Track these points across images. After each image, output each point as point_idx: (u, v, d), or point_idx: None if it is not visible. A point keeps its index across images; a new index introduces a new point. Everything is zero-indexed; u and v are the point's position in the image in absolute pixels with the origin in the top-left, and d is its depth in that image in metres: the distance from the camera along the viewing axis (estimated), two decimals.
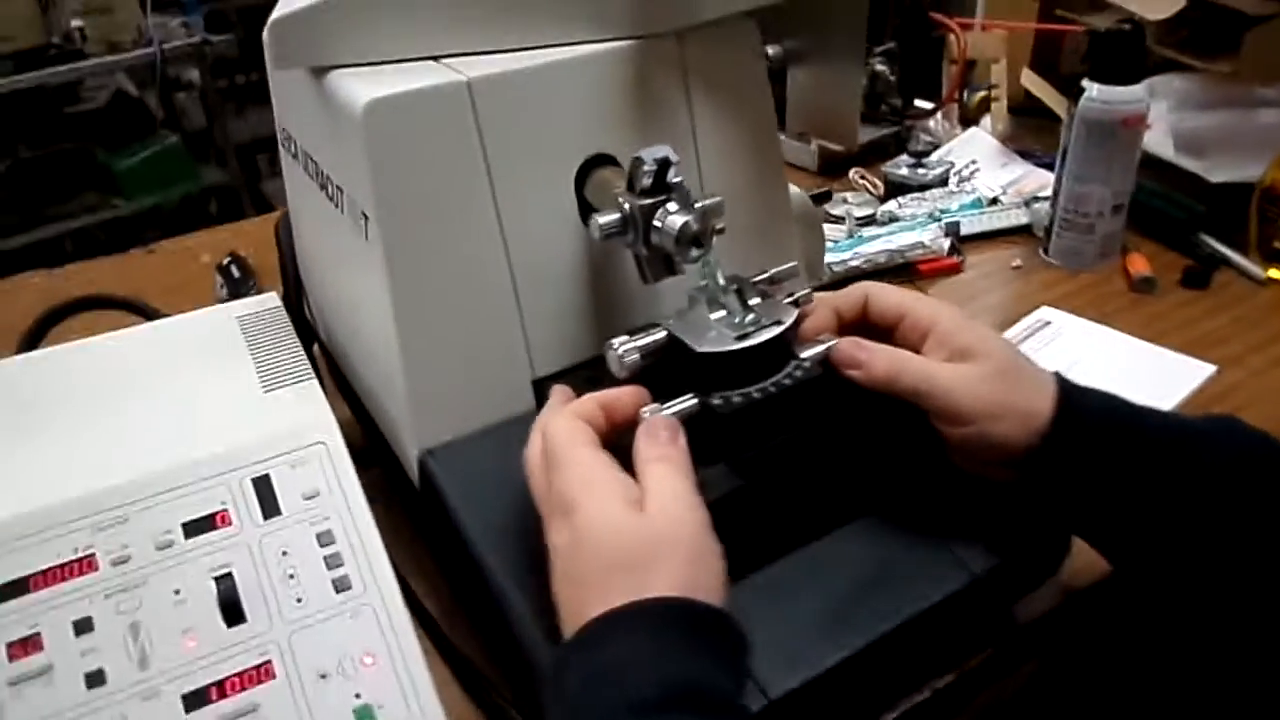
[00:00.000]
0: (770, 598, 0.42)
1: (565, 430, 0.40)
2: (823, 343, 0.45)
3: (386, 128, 0.44)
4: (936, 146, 0.96)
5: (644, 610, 0.34)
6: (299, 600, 0.42)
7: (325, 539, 0.44)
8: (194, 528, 0.43)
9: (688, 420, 0.41)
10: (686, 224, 0.43)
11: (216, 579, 0.42)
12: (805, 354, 0.44)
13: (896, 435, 0.45)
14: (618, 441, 0.40)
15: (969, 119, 1.09)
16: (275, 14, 0.46)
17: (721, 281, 0.44)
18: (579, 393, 0.45)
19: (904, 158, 0.91)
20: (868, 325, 0.47)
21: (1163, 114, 0.84)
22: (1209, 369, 0.67)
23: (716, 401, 0.41)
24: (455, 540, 0.46)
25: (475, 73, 0.45)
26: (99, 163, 2.49)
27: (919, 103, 1.05)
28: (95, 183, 2.50)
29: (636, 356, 0.42)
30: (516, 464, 0.43)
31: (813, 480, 0.44)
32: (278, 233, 0.67)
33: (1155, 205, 0.84)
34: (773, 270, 0.46)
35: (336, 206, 0.51)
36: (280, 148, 0.61)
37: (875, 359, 0.44)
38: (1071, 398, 0.43)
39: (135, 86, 2.61)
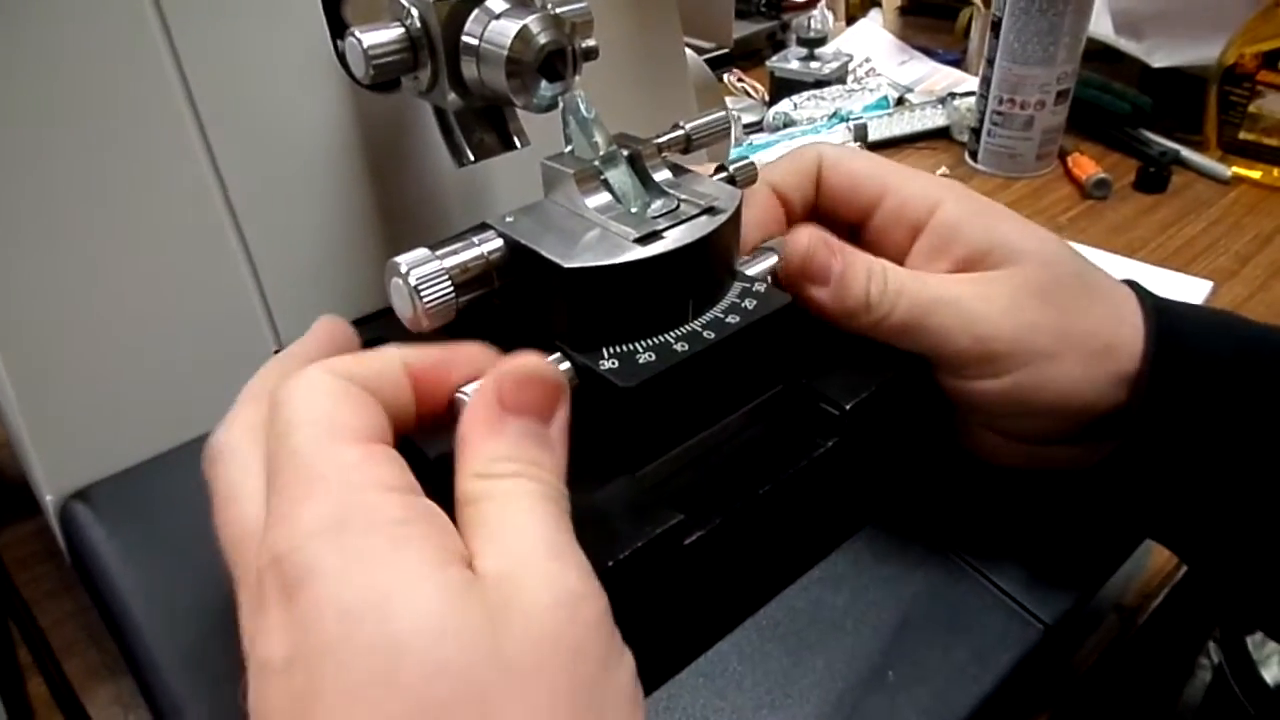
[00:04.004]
0: (721, 688, 0.23)
1: (316, 406, 0.18)
2: (772, 249, 0.26)
3: None
4: (824, 39, 0.79)
5: None
6: None
7: None
8: None
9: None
10: (526, 30, 0.22)
11: None
12: (753, 269, 0.25)
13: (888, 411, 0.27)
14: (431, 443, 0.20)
15: (852, 17, 0.93)
16: None
17: (602, 142, 0.23)
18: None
19: (794, 49, 0.73)
20: (821, 215, 0.28)
21: None
22: (1205, 285, 0.53)
23: (608, 366, 0.21)
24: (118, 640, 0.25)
25: None
26: None
27: None
28: None
29: (448, 287, 0.21)
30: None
31: (787, 502, 0.25)
32: None
33: (1090, 98, 0.70)
34: (689, 124, 0.25)
35: None
36: None
37: (852, 270, 0.25)
38: (1168, 318, 0.26)
39: None
